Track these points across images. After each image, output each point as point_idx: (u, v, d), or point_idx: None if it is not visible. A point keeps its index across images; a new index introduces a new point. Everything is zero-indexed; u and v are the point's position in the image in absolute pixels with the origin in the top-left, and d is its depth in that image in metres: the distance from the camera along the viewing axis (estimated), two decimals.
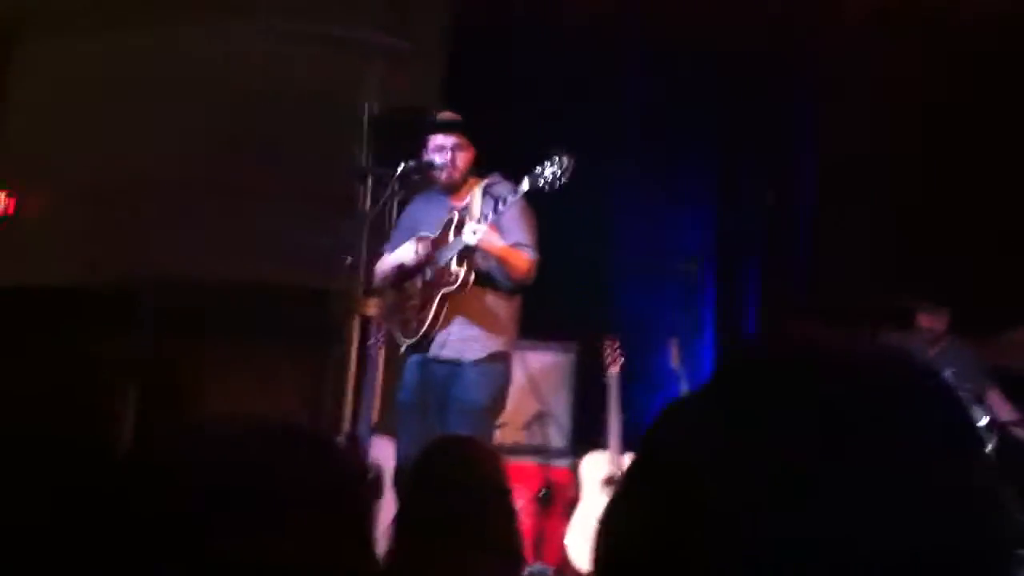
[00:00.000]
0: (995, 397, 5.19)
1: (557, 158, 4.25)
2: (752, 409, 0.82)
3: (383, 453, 4.81)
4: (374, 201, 4.77)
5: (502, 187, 4.52)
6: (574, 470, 5.38)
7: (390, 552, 2.55)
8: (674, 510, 0.81)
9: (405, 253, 4.60)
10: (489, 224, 4.35)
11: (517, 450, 5.48)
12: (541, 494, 5.38)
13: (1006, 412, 5.15)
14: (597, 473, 5.24)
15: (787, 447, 0.79)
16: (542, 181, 4.25)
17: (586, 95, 6.18)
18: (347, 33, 5.77)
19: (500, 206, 4.36)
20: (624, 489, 0.90)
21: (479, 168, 4.67)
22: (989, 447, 4.96)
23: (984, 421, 4.98)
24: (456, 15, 6.20)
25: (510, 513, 2.67)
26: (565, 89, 6.09)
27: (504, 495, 2.66)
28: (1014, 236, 5.47)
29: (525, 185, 4.29)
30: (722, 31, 5.97)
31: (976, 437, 0.85)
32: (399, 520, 2.64)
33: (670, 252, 6.30)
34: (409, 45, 5.79)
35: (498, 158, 4.66)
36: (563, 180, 4.24)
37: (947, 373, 5.01)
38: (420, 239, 4.59)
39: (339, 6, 5.86)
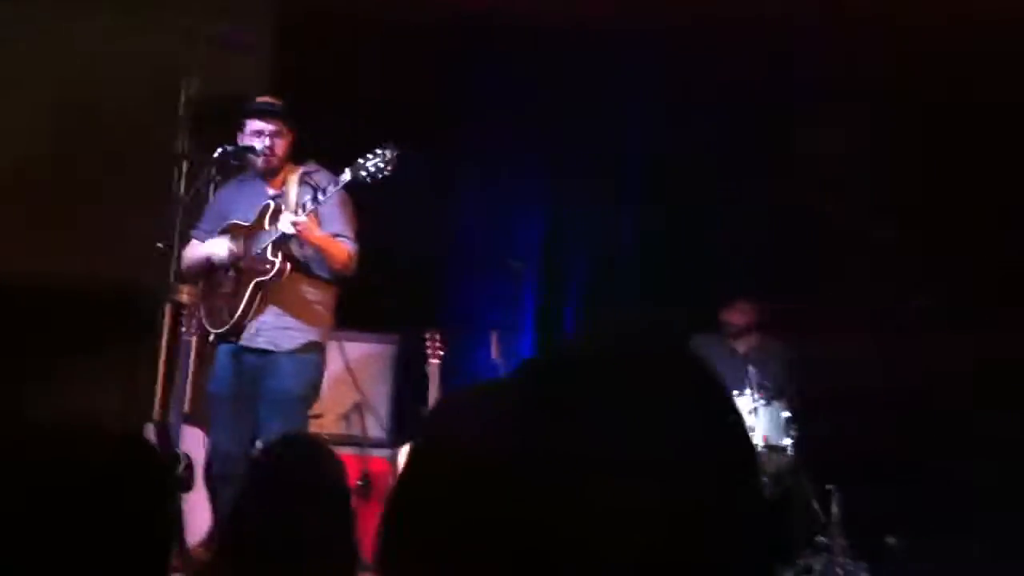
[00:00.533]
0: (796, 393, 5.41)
1: (382, 150, 4.19)
2: (549, 401, 0.86)
3: (194, 443, 4.70)
4: (190, 186, 4.62)
5: (321, 176, 4.44)
6: (392, 461, 5.37)
7: (213, 563, 2.42)
8: (477, 490, 0.83)
9: (217, 249, 4.46)
10: (308, 213, 4.27)
11: (334, 441, 5.43)
12: (358, 485, 5.35)
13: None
14: None
15: (574, 438, 0.83)
16: (365, 172, 4.18)
17: (425, 88, 6.13)
18: (169, 15, 5.60)
19: (320, 195, 4.27)
20: (413, 474, 0.91)
21: (299, 155, 4.57)
22: (789, 441, 5.20)
23: (785, 415, 5.21)
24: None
25: (349, 518, 2.54)
26: (402, 81, 6.03)
27: (345, 499, 2.56)
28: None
29: (347, 175, 4.21)
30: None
31: (746, 439, 0.89)
32: (227, 526, 2.49)
33: (498, 249, 6.34)
34: (234, 29, 5.65)
35: (330, 147, 4.57)
36: (387, 172, 4.18)
37: (752, 372, 5.24)
38: (234, 227, 4.48)
39: None
